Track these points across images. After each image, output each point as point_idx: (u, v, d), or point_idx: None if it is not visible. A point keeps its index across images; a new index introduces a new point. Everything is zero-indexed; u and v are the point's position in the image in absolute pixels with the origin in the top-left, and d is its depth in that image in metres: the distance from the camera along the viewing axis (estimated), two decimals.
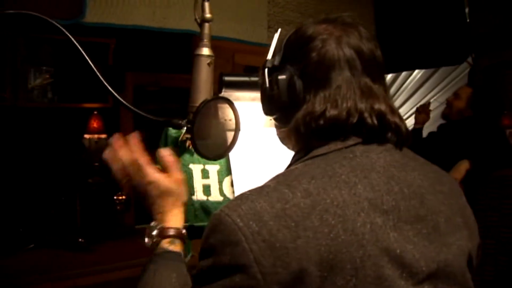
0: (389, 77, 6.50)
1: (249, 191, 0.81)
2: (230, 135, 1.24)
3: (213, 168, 1.56)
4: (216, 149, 1.22)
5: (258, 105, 1.53)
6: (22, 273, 4.35)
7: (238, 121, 1.22)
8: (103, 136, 5.52)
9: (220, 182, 1.54)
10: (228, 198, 1.52)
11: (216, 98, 1.19)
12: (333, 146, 0.86)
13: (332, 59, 0.90)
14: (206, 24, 1.22)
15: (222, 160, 1.56)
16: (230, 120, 1.24)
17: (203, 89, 1.22)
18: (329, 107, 0.87)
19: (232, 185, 1.53)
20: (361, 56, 0.91)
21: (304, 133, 0.89)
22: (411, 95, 6.80)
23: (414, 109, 6.47)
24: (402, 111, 6.75)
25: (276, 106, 0.95)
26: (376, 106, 0.88)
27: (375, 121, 0.87)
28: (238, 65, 7.11)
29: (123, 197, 5.82)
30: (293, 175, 0.83)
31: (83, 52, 1.10)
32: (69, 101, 5.56)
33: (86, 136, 5.45)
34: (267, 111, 0.99)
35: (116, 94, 1.13)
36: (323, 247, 0.73)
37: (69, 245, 4.98)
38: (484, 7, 4.71)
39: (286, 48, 0.96)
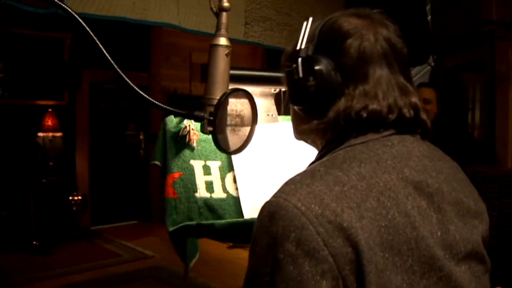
0: None
1: (299, 176, 0.79)
2: (246, 128, 1.19)
3: (215, 164, 1.51)
4: (235, 143, 1.18)
5: (258, 101, 1.50)
6: None
7: (256, 115, 1.18)
8: (58, 134, 5.34)
9: (223, 179, 1.50)
10: (231, 194, 1.48)
11: (237, 90, 1.14)
12: (370, 136, 0.86)
13: (371, 55, 0.89)
14: (224, 13, 1.17)
15: (224, 156, 1.52)
16: (245, 114, 1.20)
17: (221, 81, 1.17)
18: (370, 103, 0.86)
19: (235, 181, 1.49)
20: (395, 53, 0.92)
21: (344, 125, 0.87)
22: None
23: None
24: None
25: (308, 97, 0.92)
26: (413, 101, 0.89)
27: (412, 115, 0.88)
28: (195, 63, 7.05)
29: (79, 197, 5.65)
30: (339, 160, 0.81)
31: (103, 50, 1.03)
32: (22, 97, 5.33)
33: (40, 134, 5.26)
34: (296, 101, 0.96)
35: (138, 90, 1.07)
36: (382, 228, 0.72)
37: (23, 248, 4.78)
38: (445, 13, 4.87)
39: (320, 39, 0.93)
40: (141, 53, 6.20)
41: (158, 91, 6.22)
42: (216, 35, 1.19)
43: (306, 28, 0.97)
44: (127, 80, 1.05)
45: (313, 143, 1.00)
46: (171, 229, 1.38)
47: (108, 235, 5.59)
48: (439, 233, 0.79)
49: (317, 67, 0.89)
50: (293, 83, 0.94)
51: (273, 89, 1.67)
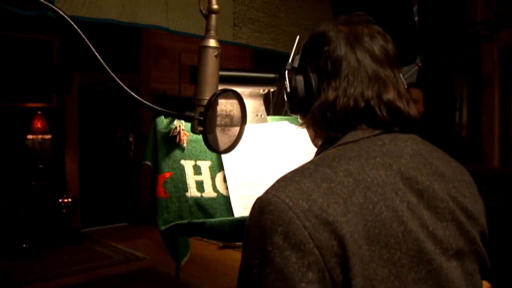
0: None
1: (290, 173, 0.82)
2: (235, 129, 1.22)
3: (205, 164, 1.54)
4: (224, 143, 1.20)
5: (247, 101, 1.52)
6: None
7: (245, 115, 1.21)
8: (48, 136, 5.32)
9: (213, 178, 1.52)
10: (221, 194, 1.50)
11: (226, 91, 1.17)
12: (361, 133, 0.90)
13: (341, 52, 0.94)
14: (213, 15, 1.20)
15: (214, 156, 1.54)
16: (234, 114, 1.22)
17: (210, 82, 1.20)
18: (340, 95, 0.91)
19: (225, 180, 1.51)
20: (369, 48, 0.96)
21: (320, 122, 0.93)
22: None
23: None
24: None
25: (297, 103, 1.00)
26: (385, 94, 0.92)
27: (383, 110, 0.92)
28: (184, 65, 7.06)
29: (69, 200, 5.63)
30: (329, 158, 0.85)
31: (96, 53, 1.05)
32: (10, 100, 5.31)
33: (30, 136, 5.23)
34: (291, 109, 1.06)
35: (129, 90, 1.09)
36: (369, 222, 0.75)
37: (13, 251, 4.76)
38: (432, 13, 4.92)
39: (303, 50, 1.02)
40: (131, 55, 6.19)
41: (147, 93, 6.22)
42: (205, 37, 1.22)
43: (295, 44, 1.06)
44: (119, 81, 1.07)
45: (314, 143, 1.05)
46: (162, 228, 1.40)
47: (98, 237, 5.58)
48: (430, 228, 0.82)
49: (297, 76, 0.97)
50: (286, 95, 1.03)
51: (261, 90, 1.70)
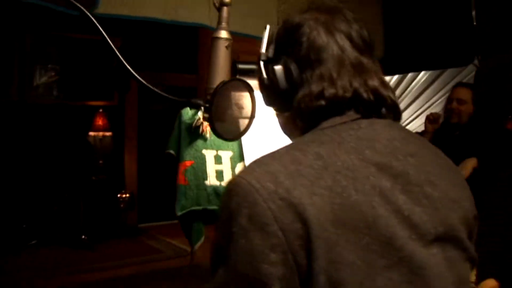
0: (394, 78, 6.51)
1: (262, 156, 0.83)
2: (245, 120, 1.24)
3: (226, 154, 1.56)
4: (232, 132, 1.22)
5: None
6: (26, 270, 4.36)
7: (254, 108, 1.22)
8: (108, 133, 5.55)
9: (233, 168, 1.55)
10: None
11: (233, 80, 1.19)
12: (338, 119, 0.88)
13: (322, 40, 0.93)
14: (225, 8, 1.23)
15: (235, 147, 1.56)
16: (245, 106, 1.24)
17: (221, 72, 1.22)
18: (326, 86, 0.89)
19: None
20: (348, 36, 0.95)
21: (306, 113, 0.91)
22: (416, 98, 6.77)
23: (419, 112, 6.47)
24: (406, 114, 6.73)
25: (276, 95, 0.97)
26: (370, 81, 0.91)
27: (371, 97, 0.90)
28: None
29: (127, 195, 5.85)
30: (303, 142, 0.85)
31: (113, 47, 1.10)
32: (75, 98, 5.59)
33: (91, 133, 5.49)
34: (268, 101, 1.01)
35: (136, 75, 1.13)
36: (336, 205, 0.73)
37: (71, 242, 5.00)
38: (491, 10, 4.70)
39: (278, 40, 0.99)
40: (189, 55, 6.34)
41: (204, 92, 6.33)
42: (217, 28, 1.24)
43: (265, 33, 1.03)
44: (133, 72, 1.12)
45: (292, 137, 1.03)
46: (179, 213, 1.44)
47: (154, 233, 5.74)
48: (406, 213, 0.79)
49: (276, 66, 0.95)
50: (261, 86, 1.00)
51: None
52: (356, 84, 0.89)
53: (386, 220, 0.76)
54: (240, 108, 1.25)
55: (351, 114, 0.88)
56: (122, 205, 5.54)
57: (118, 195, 5.57)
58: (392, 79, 6.71)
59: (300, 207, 0.72)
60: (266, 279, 0.71)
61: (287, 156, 0.80)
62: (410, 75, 6.56)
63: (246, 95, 1.24)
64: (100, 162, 5.46)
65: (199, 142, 1.56)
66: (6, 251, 4.65)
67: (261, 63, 0.97)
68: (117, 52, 1.14)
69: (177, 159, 1.57)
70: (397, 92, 6.70)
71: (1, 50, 5.25)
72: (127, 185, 5.82)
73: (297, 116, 0.92)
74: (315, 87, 0.89)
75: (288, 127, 0.99)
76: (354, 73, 0.90)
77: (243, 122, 1.24)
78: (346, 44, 0.92)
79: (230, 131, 1.23)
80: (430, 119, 3.83)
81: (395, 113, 0.94)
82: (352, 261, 0.73)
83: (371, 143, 0.84)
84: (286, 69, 0.94)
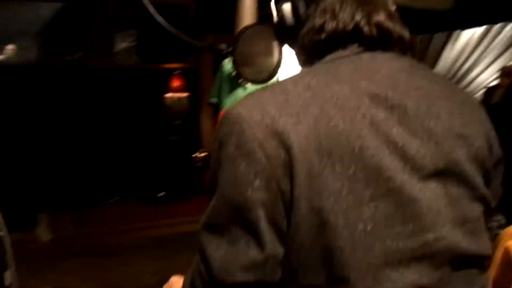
0: (481, 30, 6.09)
1: (258, 89, 0.85)
2: (272, 63, 1.24)
3: None
4: (260, 75, 1.23)
5: None
6: (110, 222, 4.68)
7: (280, 51, 1.23)
8: (184, 94, 5.73)
9: None
10: None
11: (257, 24, 1.20)
12: (341, 53, 0.87)
13: None
14: None
15: None
16: (271, 50, 1.24)
17: (247, 18, 1.23)
18: (328, 19, 0.88)
19: None
20: None
21: (309, 47, 0.91)
22: (501, 53, 6.27)
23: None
24: (489, 72, 6.29)
25: (286, 32, 0.98)
26: (374, 14, 0.87)
27: (374, 31, 0.87)
28: None
29: (203, 154, 6.02)
30: (299, 74, 0.86)
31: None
32: (152, 61, 5.79)
33: (168, 95, 5.68)
34: (281, 38, 1.03)
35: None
36: (322, 134, 0.74)
37: (150, 199, 5.27)
38: None
39: None
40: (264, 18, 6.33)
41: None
42: None
43: None
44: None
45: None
46: None
47: None
48: (399, 144, 0.77)
49: (284, 4, 0.95)
50: (275, 25, 1.00)
51: None
52: (358, 17, 0.87)
53: (374, 150, 0.75)
54: (267, 52, 1.25)
55: (354, 48, 0.87)
56: (198, 164, 5.72)
57: (194, 155, 5.75)
58: (475, 33, 6.31)
59: (284, 135, 0.74)
60: (250, 203, 0.74)
61: (278, 87, 0.82)
62: (497, 26, 6.11)
63: (272, 40, 1.24)
64: (177, 122, 5.64)
65: (239, 91, 1.59)
66: (89, 205, 5.00)
67: (272, 1, 0.99)
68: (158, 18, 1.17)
69: (219, 107, 1.61)
70: (481, 46, 6.29)
71: (80, 18, 5.51)
72: (203, 144, 5.99)
73: (303, 50, 0.93)
74: (317, 21, 0.89)
75: (299, 61, 1.00)
76: (358, 6, 0.88)
77: (270, 66, 1.25)
78: None
79: (258, 75, 1.24)
80: (506, 73, 3.62)
81: (402, 47, 0.90)
82: (337, 190, 0.73)
83: (370, 74, 0.83)
84: (294, 6, 0.94)
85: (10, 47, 5.90)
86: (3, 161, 4.75)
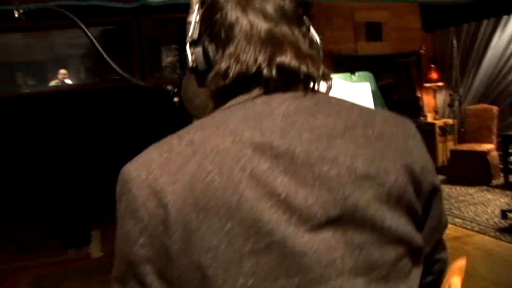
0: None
1: (152, 145, 0.87)
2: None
3: None
4: (204, 113, 1.23)
5: None
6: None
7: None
8: None
9: None
10: None
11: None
12: (242, 98, 0.85)
13: (233, 17, 0.89)
14: None
15: None
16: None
17: None
18: (232, 63, 0.86)
19: None
20: (262, 9, 0.90)
21: (215, 93, 0.89)
22: None
23: None
24: None
25: (202, 77, 0.96)
26: (278, 55, 0.85)
27: (274, 72, 0.84)
28: (358, 22, 6.91)
29: None
30: (190, 127, 0.85)
31: None
32: None
33: None
34: (200, 83, 0.99)
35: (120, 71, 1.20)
36: (198, 191, 0.75)
37: None
38: None
39: (201, 21, 0.97)
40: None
41: (324, 54, 6.28)
42: None
43: (193, 15, 1.01)
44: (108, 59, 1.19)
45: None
46: None
47: None
48: (282, 196, 0.75)
49: (197, 48, 0.95)
50: (190, 70, 0.99)
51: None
52: (260, 59, 0.85)
53: (252, 203, 0.74)
54: (201, 94, 1.24)
55: (255, 92, 0.85)
56: None
57: None
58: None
59: (161, 193, 0.77)
60: (138, 259, 0.77)
61: (166, 144, 0.83)
62: None
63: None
64: None
65: None
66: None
67: (187, 47, 0.98)
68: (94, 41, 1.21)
69: None
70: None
71: (124, 39, 5.71)
72: None
73: (211, 97, 0.91)
74: (223, 66, 0.87)
75: (210, 109, 0.98)
76: (261, 48, 0.86)
77: (207, 107, 1.23)
78: (258, 18, 0.89)
79: (202, 113, 1.22)
80: None
81: (308, 85, 0.87)
82: (215, 245, 0.74)
83: (257, 122, 0.80)
84: (205, 50, 0.94)
85: (62, 72, 6.23)
86: (61, 183, 5.00)
